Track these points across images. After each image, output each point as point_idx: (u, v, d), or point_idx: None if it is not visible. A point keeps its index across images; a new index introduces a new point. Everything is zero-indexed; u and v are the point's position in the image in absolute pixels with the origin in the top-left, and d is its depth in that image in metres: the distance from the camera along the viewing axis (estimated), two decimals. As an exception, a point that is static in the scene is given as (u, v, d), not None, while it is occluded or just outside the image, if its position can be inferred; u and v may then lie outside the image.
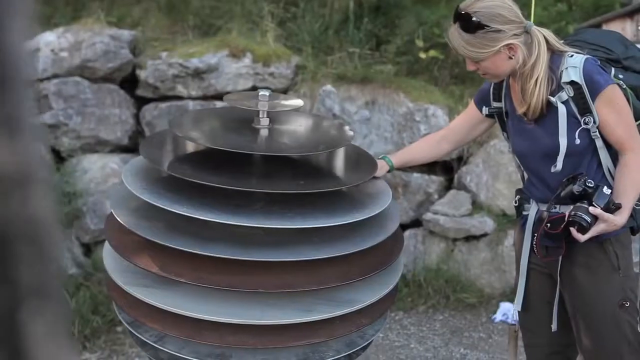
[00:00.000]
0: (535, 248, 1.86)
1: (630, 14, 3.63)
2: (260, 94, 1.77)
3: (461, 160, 4.04)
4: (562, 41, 1.86)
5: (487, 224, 3.76)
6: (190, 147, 1.85)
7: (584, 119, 1.78)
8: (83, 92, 3.75)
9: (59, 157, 3.74)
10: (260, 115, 1.77)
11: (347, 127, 1.90)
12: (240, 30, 4.31)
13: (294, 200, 1.63)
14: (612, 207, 1.74)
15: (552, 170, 1.83)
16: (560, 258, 1.87)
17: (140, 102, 4.09)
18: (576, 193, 1.75)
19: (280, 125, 1.84)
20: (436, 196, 3.96)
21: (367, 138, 4.02)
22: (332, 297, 1.64)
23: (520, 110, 1.85)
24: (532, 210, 1.94)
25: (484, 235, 3.78)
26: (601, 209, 1.73)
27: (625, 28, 3.53)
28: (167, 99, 4.03)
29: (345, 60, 4.30)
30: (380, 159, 2.03)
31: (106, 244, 1.79)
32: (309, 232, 1.63)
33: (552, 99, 1.79)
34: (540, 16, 3.89)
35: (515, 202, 2.02)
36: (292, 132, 1.84)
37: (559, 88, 1.79)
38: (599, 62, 1.81)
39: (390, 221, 1.78)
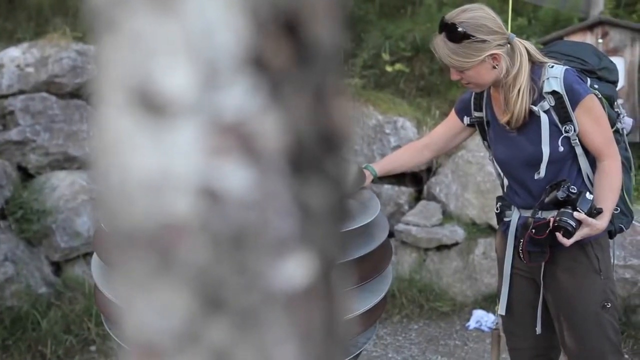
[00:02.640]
0: (521, 253, 1.90)
1: (590, 27, 3.77)
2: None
3: (430, 171, 4.11)
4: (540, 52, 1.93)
5: (457, 233, 3.83)
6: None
7: (565, 127, 1.84)
8: (50, 107, 3.69)
9: (27, 174, 3.66)
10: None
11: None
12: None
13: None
14: (594, 211, 1.80)
15: (536, 177, 1.89)
16: (543, 263, 1.93)
17: (108, 117, 4.04)
18: (560, 199, 1.81)
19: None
20: (407, 207, 4.02)
21: (337, 151, 4.05)
22: (327, 306, 1.66)
23: (504, 119, 1.89)
24: (514, 216, 1.99)
25: (455, 244, 3.84)
26: (585, 213, 1.79)
27: (586, 41, 3.65)
28: (135, 114, 3.99)
29: (314, 74, 4.33)
30: (364, 168, 2.07)
31: (94, 258, 1.78)
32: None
33: (535, 108, 1.85)
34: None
35: (497, 209, 2.07)
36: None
37: (541, 97, 1.85)
38: (576, 72, 1.87)
39: (379, 230, 1.81)
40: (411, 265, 3.87)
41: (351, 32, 4.68)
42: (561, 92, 1.82)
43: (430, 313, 3.66)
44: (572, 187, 1.81)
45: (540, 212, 1.89)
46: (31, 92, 3.71)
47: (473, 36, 1.77)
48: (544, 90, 1.84)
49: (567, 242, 1.79)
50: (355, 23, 4.73)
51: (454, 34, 1.79)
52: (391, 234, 3.96)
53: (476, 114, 2.05)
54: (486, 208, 3.81)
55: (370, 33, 4.64)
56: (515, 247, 1.96)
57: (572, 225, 1.78)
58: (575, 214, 1.78)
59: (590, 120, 1.84)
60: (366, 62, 4.50)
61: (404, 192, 4.05)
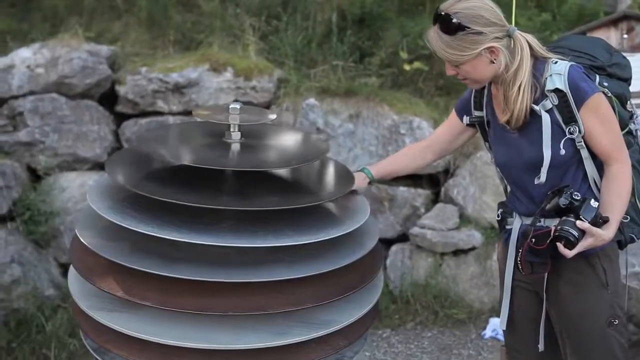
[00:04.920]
0: (519, 264, 1.78)
1: (614, 22, 3.59)
2: (230, 107, 1.70)
3: (448, 172, 3.97)
4: (545, 47, 1.79)
5: (475, 237, 3.69)
6: (160, 163, 1.77)
7: (569, 129, 1.71)
8: (60, 108, 3.67)
9: (35, 176, 3.64)
10: (232, 129, 1.70)
11: (322, 140, 1.83)
12: (221, 44, 4.24)
13: (265, 218, 1.55)
14: (599, 220, 1.66)
15: (536, 182, 1.76)
16: (546, 275, 1.80)
17: (120, 118, 4.01)
18: (562, 206, 1.68)
19: (252, 139, 1.76)
20: (423, 210, 3.89)
21: (351, 152, 3.95)
22: (308, 319, 1.56)
23: (503, 118, 1.77)
24: (515, 224, 1.87)
25: (472, 249, 3.70)
26: (589, 222, 1.65)
27: (610, 36, 3.49)
28: (147, 114, 3.95)
29: (329, 73, 4.24)
30: (360, 170, 1.96)
31: (71, 268, 1.71)
32: (282, 250, 1.55)
33: (536, 107, 1.71)
34: (524, 26, 3.84)
35: (498, 216, 1.95)
36: (265, 146, 1.76)
37: (543, 96, 1.71)
38: (584, 69, 1.74)
39: (368, 237, 1.71)
40: (427, 270, 3.74)
41: (368, 31, 4.57)
42: (565, 90, 1.68)
43: (445, 320, 3.54)
44: (575, 193, 1.68)
45: (542, 220, 1.76)
46: (41, 93, 3.69)
47: (468, 27, 1.65)
48: (547, 88, 1.70)
49: (569, 253, 1.65)
50: (373, 21, 4.61)
51: (447, 25, 1.66)
52: (406, 238, 3.84)
53: (476, 113, 1.92)
54: (505, 211, 3.66)
55: (388, 31, 4.51)
56: (515, 257, 1.83)
57: (574, 235, 1.64)
58: (578, 222, 1.65)
59: (597, 121, 1.70)
60: (383, 60, 4.38)
61: (421, 195, 3.92)
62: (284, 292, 1.52)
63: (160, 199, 1.50)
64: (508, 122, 1.76)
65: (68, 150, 3.66)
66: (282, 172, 1.77)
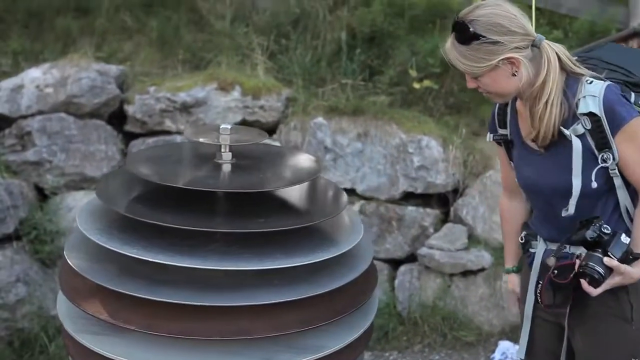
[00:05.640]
0: (538, 297, 1.66)
1: (624, 39, 3.54)
2: (221, 127, 1.68)
3: (457, 192, 3.92)
4: (575, 57, 1.66)
5: (484, 258, 3.62)
6: (151, 184, 1.75)
7: (602, 155, 1.57)
8: (68, 128, 3.68)
9: (43, 195, 3.65)
10: (222, 150, 1.68)
11: (315, 160, 1.80)
12: (230, 63, 4.25)
13: (253, 240, 1.53)
14: (630, 257, 1.54)
15: (564, 214, 1.63)
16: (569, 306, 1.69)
17: (130, 137, 4.02)
18: (589, 239, 1.55)
19: (244, 159, 1.74)
20: (432, 230, 3.84)
21: (360, 171, 3.91)
22: (295, 344, 1.52)
23: (529, 136, 1.65)
24: (539, 248, 1.76)
25: (481, 270, 3.64)
26: (617, 259, 1.53)
27: (620, 54, 3.43)
28: (155, 133, 3.96)
29: (338, 91, 4.22)
30: (508, 272, 1.94)
31: (59, 293, 1.69)
32: (270, 273, 1.52)
33: (567, 131, 1.58)
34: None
35: (522, 239, 1.83)
36: (256, 166, 1.74)
37: (574, 119, 1.58)
38: (620, 88, 1.60)
39: (360, 259, 1.67)
40: (435, 291, 3.68)
41: (378, 49, 4.55)
42: (600, 115, 1.55)
43: (453, 342, 3.47)
44: (605, 226, 1.55)
45: (567, 246, 1.64)
46: (49, 112, 3.71)
47: (483, 37, 1.53)
48: (579, 111, 1.57)
49: (593, 292, 1.54)
50: (383, 39, 4.60)
51: (462, 34, 1.56)
52: (415, 258, 3.79)
53: (501, 131, 1.79)
54: (515, 231, 3.59)
55: (398, 49, 4.49)
56: (535, 289, 1.72)
57: (599, 273, 1.52)
58: (606, 260, 1.53)
59: (634, 149, 1.57)
60: (393, 79, 4.35)
61: (430, 214, 3.87)
62: (270, 316, 1.49)
63: (145, 220, 1.48)
64: (534, 140, 1.63)
65: (75, 169, 3.68)
66: (275, 192, 1.75)
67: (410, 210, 3.84)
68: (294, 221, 1.55)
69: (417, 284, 3.73)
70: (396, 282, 3.75)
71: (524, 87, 1.59)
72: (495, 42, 1.54)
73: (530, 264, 1.78)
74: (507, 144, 1.80)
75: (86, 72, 3.82)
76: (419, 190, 3.86)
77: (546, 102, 1.57)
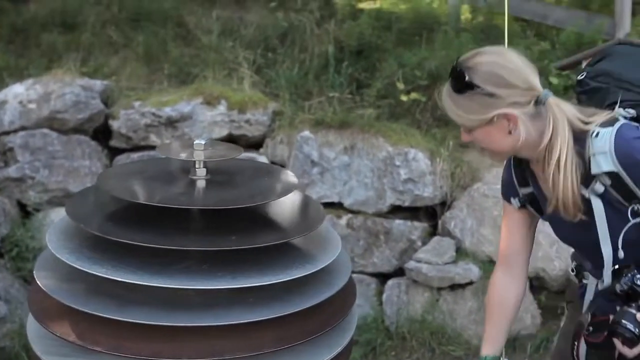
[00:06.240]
0: (575, 358, 1.52)
1: (610, 51, 3.52)
2: (195, 142, 1.65)
3: (445, 205, 3.89)
4: (582, 75, 1.54)
5: (472, 271, 3.59)
6: (123, 201, 1.71)
7: (633, 207, 1.42)
8: (51, 143, 3.65)
9: (25, 212, 3.61)
10: (197, 166, 1.65)
11: (292, 175, 1.77)
12: (216, 77, 4.23)
13: (227, 258, 1.49)
14: None
15: (600, 287, 1.51)
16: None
17: (115, 152, 3.99)
18: (619, 292, 1.41)
19: (219, 175, 1.70)
20: (420, 243, 3.80)
21: (347, 184, 3.89)
22: (270, 364, 1.48)
23: (549, 207, 1.48)
24: (590, 282, 1.59)
25: (470, 283, 3.60)
26: None
27: (606, 65, 3.41)
28: (140, 149, 3.93)
29: (325, 105, 4.20)
30: None
31: (30, 316, 1.65)
32: (243, 292, 1.48)
33: (586, 192, 1.45)
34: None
35: (572, 270, 1.68)
36: (231, 182, 1.71)
37: (590, 178, 1.44)
38: (632, 120, 1.43)
39: (338, 275, 1.63)
40: (423, 305, 3.64)
41: (365, 62, 4.54)
42: (617, 170, 1.40)
43: (442, 357, 3.43)
44: (637, 276, 1.40)
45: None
46: (33, 128, 3.68)
47: (478, 87, 1.40)
48: (592, 172, 1.43)
49: (629, 353, 1.39)
50: (370, 52, 4.58)
51: (457, 81, 1.43)
52: (402, 272, 3.75)
53: (522, 190, 1.62)
54: (503, 244, 3.56)
55: (386, 62, 4.48)
56: (571, 350, 1.56)
57: (632, 332, 1.36)
58: (639, 316, 1.38)
59: None
60: (380, 91, 4.34)
61: (417, 228, 3.84)
62: (245, 336, 1.45)
63: (114, 239, 1.45)
64: (555, 211, 1.47)
65: (58, 185, 3.64)
66: (250, 208, 1.71)
67: (398, 223, 3.81)
68: (267, 238, 1.52)
69: (405, 298, 3.69)
70: (384, 296, 3.71)
71: (522, 147, 1.46)
72: (491, 95, 1.41)
73: (582, 295, 1.64)
74: (535, 202, 1.62)
75: (70, 87, 3.79)
76: (407, 204, 3.83)
77: (557, 166, 1.42)
